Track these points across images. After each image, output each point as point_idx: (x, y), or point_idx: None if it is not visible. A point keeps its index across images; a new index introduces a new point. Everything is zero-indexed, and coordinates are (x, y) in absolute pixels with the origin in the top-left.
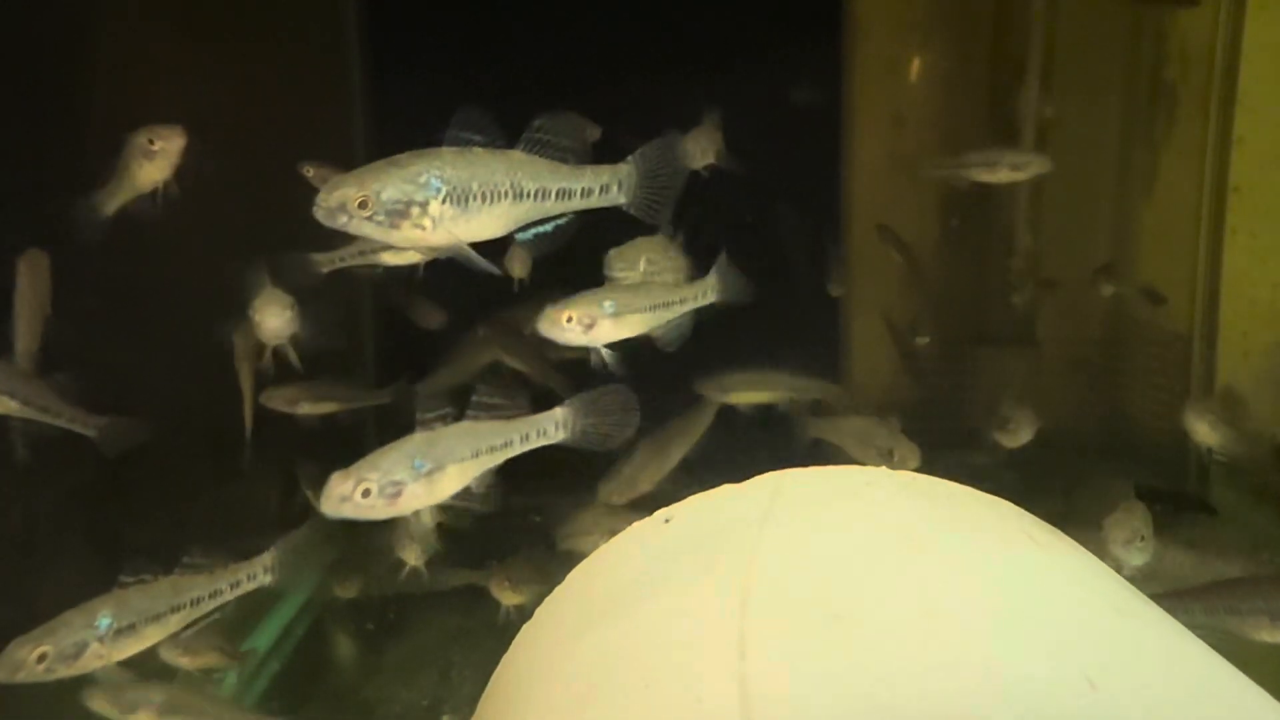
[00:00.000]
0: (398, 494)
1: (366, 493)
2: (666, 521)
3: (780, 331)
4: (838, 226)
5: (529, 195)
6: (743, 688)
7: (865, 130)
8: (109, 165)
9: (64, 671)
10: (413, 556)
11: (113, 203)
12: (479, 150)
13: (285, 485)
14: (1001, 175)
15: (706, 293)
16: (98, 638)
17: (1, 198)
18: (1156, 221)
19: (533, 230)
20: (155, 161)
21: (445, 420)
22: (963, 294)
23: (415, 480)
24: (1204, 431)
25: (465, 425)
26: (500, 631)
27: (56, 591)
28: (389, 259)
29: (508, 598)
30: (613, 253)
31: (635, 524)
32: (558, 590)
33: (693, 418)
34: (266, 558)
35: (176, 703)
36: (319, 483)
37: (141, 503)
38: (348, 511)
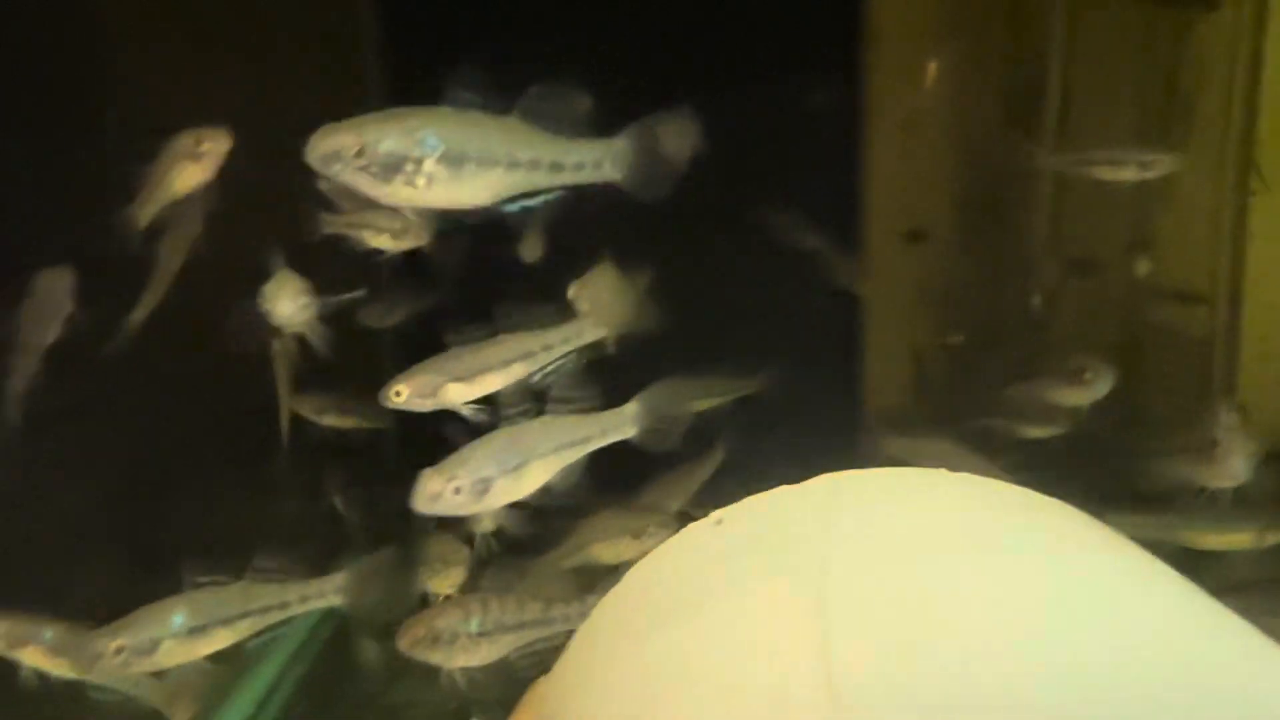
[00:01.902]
0: (485, 490)
1: (458, 490)
2: (719, 523)
3: (794, 336)
4: (854, 228)
5: (522, 165)
6: (831, 686)
7: (883, 133)
8: (142, 170)
9: (138, 666)
10: (445, 586)
11: (150, 208)
12: (478, 113)
13: (311, 492)
14: (1127, 174)
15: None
16: (171, 635)
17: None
18: (1177, 226)
19: (520, 203)
20: (201, 163)
21: (527, 415)
22: (980, 297)
23: (503, 476)
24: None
25: (546, 420)
26: None
27: (84, 593)
28: (370, 238)
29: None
30: (574, 286)
31: (690, 525)
32: (615, 590)
33: (693, 467)
34: (339, 578)
35: (69, 642)
36: (345, 489)
37: (169, 506)
38: (439, 509)
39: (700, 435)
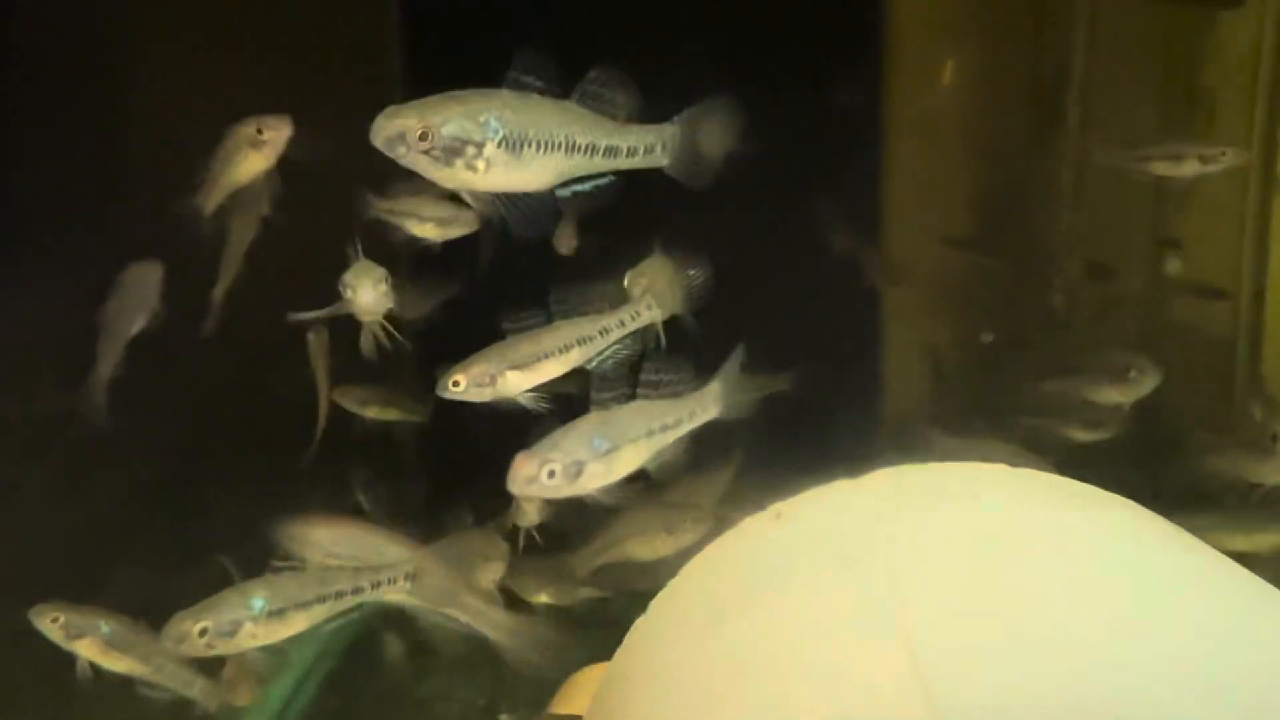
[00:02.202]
0: (579, 474)
1: (552, 474)
2: (778, 516)
3: (814, 333)
4: (877, 229)
5: (580, 150)
6: (921, 682)
7: (904, 133)
8: (205, 161)
9: (221, 648)
10: (484, 580)
11: (215, 198)
12: (538, 97)
13: (335, 487)
14: (1188, 169)
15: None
16: (252, 618)
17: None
18: (1199, 223)
19: (573, 188)
20: (262, 151)
21: (620, 399)
22: (999, 297)
23: (595, 460)
24: None
25: (638, 404)
26: None
27: (118, 584)
28: (414, 227)
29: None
30: (630, 274)
31: (748, 518)
32: (673, 583)
33: (719, 466)
34: (409, 565)
35: (124, 637)
36: (372, 486)
37: (200, 498)
38: (534, 491)
39: (720, 433)
